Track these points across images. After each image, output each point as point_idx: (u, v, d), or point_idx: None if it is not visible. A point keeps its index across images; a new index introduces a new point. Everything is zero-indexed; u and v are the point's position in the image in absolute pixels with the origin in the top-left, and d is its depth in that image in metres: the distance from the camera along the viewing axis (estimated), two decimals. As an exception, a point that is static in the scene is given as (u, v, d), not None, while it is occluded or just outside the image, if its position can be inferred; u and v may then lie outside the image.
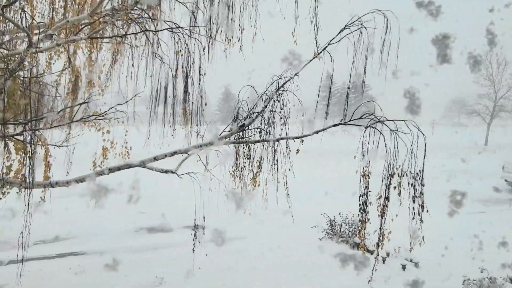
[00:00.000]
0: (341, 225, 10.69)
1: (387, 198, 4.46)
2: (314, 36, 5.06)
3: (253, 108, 5.22)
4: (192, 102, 5.41)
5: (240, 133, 5.25)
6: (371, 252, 8.16)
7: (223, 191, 5.25)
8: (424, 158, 4.35)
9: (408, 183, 4.44)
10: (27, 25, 4.02)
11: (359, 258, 7.83)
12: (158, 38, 5.27)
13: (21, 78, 4.70)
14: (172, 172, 5.00)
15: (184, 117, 5.49)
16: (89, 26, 5.39)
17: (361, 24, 4.62)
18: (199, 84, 5.42)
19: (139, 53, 5.54)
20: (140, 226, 11.87)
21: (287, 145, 5.16)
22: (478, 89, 46.02)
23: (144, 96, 5.40)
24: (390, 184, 4.45)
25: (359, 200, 4.66)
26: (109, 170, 4.87)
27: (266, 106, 5.13)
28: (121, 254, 9.09)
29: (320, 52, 4.84)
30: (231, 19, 5.35)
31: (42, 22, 5.40)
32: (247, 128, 5.18)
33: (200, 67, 5.35)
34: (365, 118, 4.62)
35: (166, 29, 5.20)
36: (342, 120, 4.86)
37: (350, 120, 4.74)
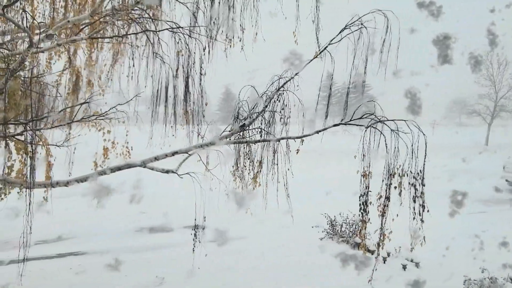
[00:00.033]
0: (342, 225, 10.68)
1: (387, 198, 4.46)
2: (315, 36, 5.05)
3: (253, 108, 5.22)
4: (193, 102, 5.41)
5: (241, 133, 5.25)
6: (372, 252, 8.15)
7: (223, 191, 5.25)
8: (424, 158, 4.35)
9: (409, 183, 4.44)
10: (28, 25, 4.03)
11: (360, 258, 7.83)
12: (158, 38, 5.27)
13: (22, 78, 4.71)
14: (172, 172, 5.01)
15: (185, 117, 5.49)
16: (89, 26, 5.40)
17: (362, 24, 4.62)
18: (200, 84, 5.42)
19: (139, 53, 5.54)
20: (140, 226, 11.87)
21: (287, 145, 5.16)
22: (479, 89, 45.98)
23: (144, 96, 5.41)
24: (390, 184, 4.44)
25: (360, 200, 4.66)
26: (110, 170, 4.88)
27: (266, 106, 5.13)
28: (121, 254, 9.10)
29: (321, 52, 4.84)
30: (232, 19, 5.35)
31: (42, 22, 5.40)
32: (247, 128, 5.19)
33: (200, 67, 5.36)
34: (365, 118, 4.62)
35: (167, 29, 5.20)
36: (342, 120, 4.86)
37: (350, 120, 4.74)
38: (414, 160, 4.34)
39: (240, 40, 5.48)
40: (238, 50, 5.49)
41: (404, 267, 8.86)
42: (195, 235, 5.38)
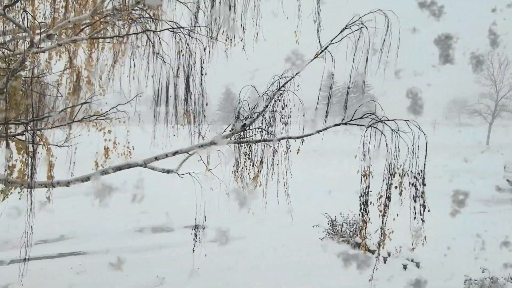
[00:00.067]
0: (342, 225, 10.68)
1: (388, 198, 4.45)
2: (316, 35, 5.05)
3: (254, 108, 5.22)
4: (194, 102, 5.41)
5: (241, 133, 5.25)
6: (372, 252, 8.15)
7: (224, 191, 5.25)
8: (425, 158, 4.35)
9: (409, 182, 4.43)
10: (29, 25, 4.03)
11: (361, 258, 7.82)
12: (159, 38, 5.27)
13: (23, 78, 4.71)
14: (173, 172, 5.01)
15: (185, 117, 5.49)
16: (90, 26, 5.40)
17: (362, 23, 4.62)
18: (201, 84, 5.42)
19: (140, 53, 5.54)
20: (141, 226, 11.88)
21: (287, 145, 5.16)
22: (480, 88, 45.97)
23: (145, 96, 5.41)
24: (391, 183, 4.44)
25: (360, 200, 4.66)
26: (110, 170, 4.88)
27: (267, 106, 5.13)
28: (122, 254, 9.10)
29: (321, 52, 4.83)
30: (233, 19, 5.35)
31: (43, 22, 5.41)
32: (248, 128, 5.18)
33: (201, 67, 5.36)
34: (366, 117, 4.61)
35: (167, 29, 5.20)
36: (343, 119, 4.85)
37: (351, 120, 4.74)
38: (415, 160, 4.34)
39: (241, 40, 5.48)
40: (239, 50, 5.49)
41: (405, 267, 8.86)
42: (195, 235, 5.38)
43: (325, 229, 10.77)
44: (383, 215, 4.49)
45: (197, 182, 4.80)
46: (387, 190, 4.46)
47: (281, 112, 5.14)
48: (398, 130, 4.33)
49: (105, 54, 6.19)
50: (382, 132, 4.42)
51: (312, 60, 4.83)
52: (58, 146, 5.34)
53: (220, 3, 5.29)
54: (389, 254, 9.16)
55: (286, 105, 5.09)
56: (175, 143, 5.25)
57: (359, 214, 4.73)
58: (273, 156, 5.19)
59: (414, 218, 4.39)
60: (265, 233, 10.93)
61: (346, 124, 4.74)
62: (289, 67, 4.87)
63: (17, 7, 4.96)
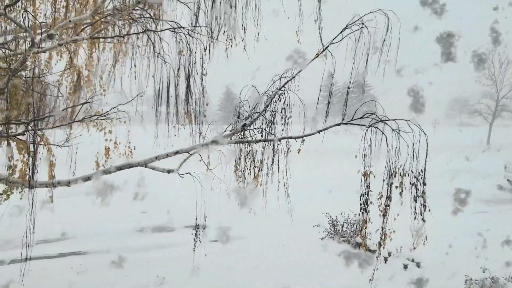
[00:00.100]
0: (343, 224, 10.68)
1: (389, 198, 4.45)
2: (318, 35, 5.04)
3: (254, 108, 5.22)
4: (195, 102, 5.41)
5: (242, 133, 5.25)
6: (373, 252, 8.16)
7: (224, 191, 5.25)
8: (426, 158, 4.34)
9: (410, 182, 4.43)
10: (30, 25, 4.04)
11: (362, 256, 7.83)
12: (160, 38, 5.27)
13: (24, 78, 4.72)
14: (174, 171, 5.01)
15: (186, 117, 5.50)
16: (91, 26, 5.40)
17: (362, 23, 4.62)
18: (201, 84, 5.42)
19: (141, 53, 5.54)
20: (141, 226, 11.89)
21: (287, 144, 5.16)
22: (481, 87, 45.94)
23: (146, 96, 5.41)
24: (392, 183, 4.44)
25: (360, 200, 4.66)
26: (111, 170, 4.89)
27: (267, 106, 5.13)
28: (122, 254, 9.11)
29: (322, 52, 4.83)
30: (234, 19, 5.35)
31: (44, 22, 5.41)
32: (248, 127, 5.19)
33: (202, 67, 5.35)
34: (366, 117, 4.61)
35: (168, 29, 5.20)
36: (343, 119, 4.85)
37: (351, 120, 4.74)
38: (415, 160, 4.34)
39: (242, 40, 5.48)
40: (240, 50, 5.49)
41: (405, 266, 8.86)
42: (196, 235, 5.38)
43: (325, 229, 10.77)
44: (384, 215, 4.49)
45: (198, 182, 4.80)
46: (387, 190, 4.46)
47: (281, 112, 5.14)
48: (399, 130, 4.33)
49: (105, 54, 6.20)
50: (382, 132, 4.42)
51: (313, 60, 4.83)
52: (59, 146, 5.34)
53: (220, 2, 5.29)
54: (389, 254, 9.16)
55: (287, 105, 5.09)
56: (176, 143, 5.25)
57: (359, 214, 4.73)
58: (273, 156, 5.19)
59: (415, 218, 4.39)
60: (265, 233, 10.93)
61: (346, 124, 4.74)
62: (291, 66, 4.87)
63: (18, 7, 4.96)
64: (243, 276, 8.26)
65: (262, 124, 5.22)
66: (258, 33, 5.35)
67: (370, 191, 4.59)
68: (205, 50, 5.27)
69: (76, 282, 7.85)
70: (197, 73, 5.37)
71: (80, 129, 5.66)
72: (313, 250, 9.94)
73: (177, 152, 4.96)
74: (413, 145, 4.27)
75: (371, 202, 4.62)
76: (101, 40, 5.87)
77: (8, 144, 4.61)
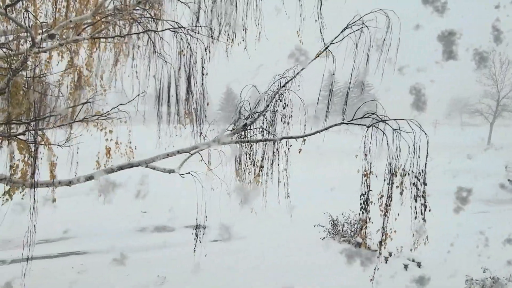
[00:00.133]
0: (343, 224, 10.68)
1: (389, 197, 4.45)
2: (319, 34, 5.04)
3: (255, 108, 5.21)
4: (196, 102, 5.42)
5: (242, 133, 5.25)
6: (374, 251, 8.14)
7: (225, 191, 5.26)
8: (426, 158, 4.34)
9: (410, 182, 4.43)
10: (30, 25, 4.04)
11: (363, 256, 7.83)
12: (160, 38, 5.27)
13: (24, 78, 4.72)
14: (174, 171, 5.01)
15: (187, 116, 5.50)
16: (91, 26, 5.40)
17: (363, 23, 4.61)
18: (202, 84, 5.42)
19: (141, 53, 5.54)
20: (142, 226, 11.90)
21: (287, 144, 5.16)
22: (482, 87, 45.91)
23: (147, 95, 5.41)
24: (392, 183, 4.44)
25: (361, 199, 4.66)
26: (112, 170, 4.90)
27: (268, 106, 5.13)
28: (123, 254, 9.12)
29: (322, 52, 4.83)
30: (233, 19, 5.35)
31: (45, 22, 5.42)
32: (249, 127, 5.19)
33: (202, 67, 5.36)
34: (367, 117, 4.61)
35: (169, 29, 5.20)
36: (343, 119, 4.85)
37: (352, 120, 4.73)
38: (416, 160, 4.33)
39: (243, 40, 5.48)
40: (240, 49, 5.49)
41: (406, 267, 8.85)
42: (196, 235, 5.38)
43: (326, 228, 10.77)
44: (385, 215, 4.49)
45: (198, 182, 4.81)
46: (388, 189, 4.46)
47: (282, 111, 5.14)
48: (399, 129, 4.32)
49: (106, 54, 6.20)
50: (383, 132, 4.42)
51: (314, 59, 4.83)
52: (60, 146, 5.34)
53: (221, 1, 5.29)
54: (390, 254, 9.15)
55: (288, 105, 5.09)
56: (177, 143, 5.26)
57: (359, 214, 4.73)
58: (273, 155, 5.19)
59: (415, 217, 4.39)
60: (266, 233, 10.94)
61: (347, 124, 4.74)
62: (293, 64, 4.86)
63: (19, 7, 4.97)
64: (243, 276, 8.26)
65: (263, 124, 5.22)
66: (259, 33, 5.35)
67: (371, 190, 4.59)
68: (206, 50, 5.27)
69: (77, 281, 7.86)
70: (197, 73, 5.37)
71: (80, 129, 5.66)
72: (314, 250, 9.94)
73: (177, 152, 4.96)
74: (413, 145, 4.27)
75: (371, 202, 4.62)
76: (102, 40, 5.87)
77: (9, 144, 4.62)
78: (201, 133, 5.40)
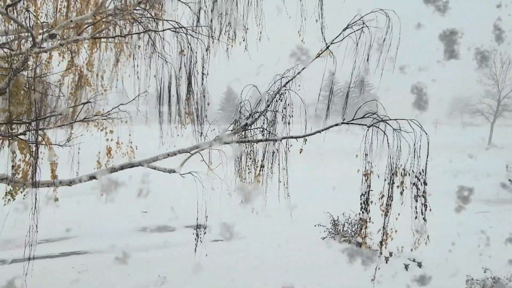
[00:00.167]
0: (344, 224, 10.68)
1: (390, 197, 4.45)
2: (320, 34, 5.04)
3: (255, 107, 5.22)
4: (197, 102, 5.42)
5: (243, 133, 5.25)
6: (375, 250, 8.14)
7: (226, 191, 5.26)
8: (427, 157, 4.34)
9: (411, 182, 4.43)
10: (31, 25, 4.04)
11: (364, 256, 7.82)
12: (161, 38, 5.28)
13: (25, 78, 4.72)
14: (175, 171, 5.01)
15: (187, 116, 5.50)
16: (92, 26, 5.41)
17: (364, 23, 4.61)
18: (202, 84, 5.42)
19: (142, 53, 5.55)
20: (142, 226, 11.91)
21: (286, 144, 5.16)
22: (483, 87, 45.88)
23: (147, 95, 5.41)
24: (393, 183, 4.44)
25: (361, 199, 4.66)
26: (112, 170, 4.90)
27: (268, 106, 5.13)
28: (123, 254, 9.13)
29: (323, 52, 4.83)
30: (234, 19, 5.35)
31: (45, 22, 5.42)
32: (249, 127, 5.19)
33: (202, 67, 5.36)
34: (367, 117, 4.61)
35: (169, 29, 5.20)
36: (344, 119, 4.85)
37: (353, 119, 4.73)
38: (416, 160, 4.33)
39: (243, 40, 5.48)
40: (241, 49, 5.49)
41: (406, 267, 8.85)
42: (197, 234, 5.38)
43: (326, 228, 10.77)
44: (386, 215, 4.49)
45: (199, 182, 4.81)
46: (389, 189, 4.46)
47: (282, 111, 5.14)
48: (400, 129, 4.32)
49: (107, 54, 6.21)
50: (384, 132, 4.42)
51: (314, 60, 4.83)
52: (60, 146, 5.35)
53: (222, 1, 5.29)
54: (390, 254, 9.15)
55: (288, 105, 5.09)
56: (178, 142, 5.26)
57: (360, 213, 4.73)
58: (273, 156, 5.20)
59: (416, 217, 4.39)
60: (266, 233, 10.94)
61: (348, 123, 4.74)
62: (294, 63, 4.85)
63: (20, 7, 4.97)
64: (243, 276, 8.26)
65: (264, 124, 5.22)
66: (261, 32, 5.35)
67: (371, 190, 4.59)
68: (206, 50, 5.27)
69: (78, 281, 7.87)
70: (197, 73, 5.38)
71: (81, 129, 5.67)
72: (314, 249, 9.94)
73: (178, 152, 4.97)
74: (414, 144, 4.27)
75: (371, 202, 4.62)
76: (103, 40, 5.88)
77: (9, 144, 4.63)
78: (201, 133, 5.40)
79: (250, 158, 5.45)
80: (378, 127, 4.47)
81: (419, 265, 9.00)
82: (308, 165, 14.85)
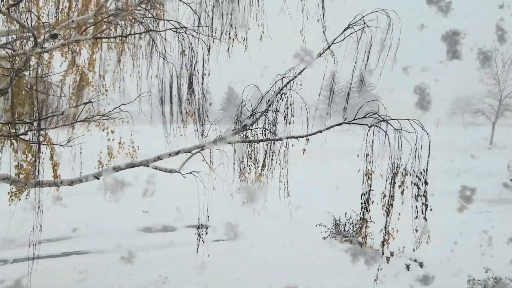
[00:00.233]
0: (345, 224, 10.67)
1: (391, 197, 4.44)
2: (322, 34, 5.03)
3: (256, 108, 5.21)
4: (198, 102, 5.42)
5: (244, 133, 5.25)
6: (376, 250, 8.13)
7: (227, 191, 5.26)
8: (428, 157, 4.33)
9: (412, 182, 4.42)
10: (33, 25, 4.05)
11: (365, 256, 7.82)
12: (162, 38, 5.28)
13: (27, 78, 4.74)
14: (176, 171, 5.02)
15: (189, 116, 5.51)
16: (93, 26, 5.42)
17: (365, 23, 4.61)
18: (203, 83, 5.43)
19: (143, 53, 5.55)
20: (144, 226, 11.92)
21: (286, 144, 5.16)
22: (484, 86, 45.81)
23: (147, 96, 5.42)
24: (394, 182, 4.43)
25: (361, 199, 4.65)
26: (114, 169, 4.91)
27: (269, 106, 5.12)
28: (124, 253, 9.14)
29: (324, 51, 4.83)
30: (236, 18, 5.35)
31: (47, 22, 5.43)
32: (250, 127, 5.19)
33: (203, 67, 5.36)
34: (369, 117, 4.60)
35: (170, 29, 5.21)
36: (345, 119, 4.84)
37: (354, 119, 4.73)
38: (418, 160, 4.33)
39: (244, 40, 5.48)
40: (242, 49, 5.49)
41: (408, 267, 8.83)
42: (198, 234, 5.39)
43: (328, 228, 10.76)
44: (387, 215, 4.48)
45: (200, 182, 4.81)
46: (390, 189, 4.45)
47: (283, 111, 5.13)
48: (401, 129, 4.31)
49: (108, 54, 6.21)
50: (385, 132, 4.41)
51: (315, 59, 4.82)
52: (62, 145, 5.36)
53: (223, 1, 5.30)
54: (392, 254, 9.14)
55: (290, 105, 5.09)
56: (180, 142, 5.27)
57: (360, 213, 4.73)
58: (273, 155, 5.19)
59: (416, 217, 4.38)
60: (268, 233, 10.94)
61: (349, 123, 4.73)
62: (298, 63, 4.85)
63: (22, 7, 4.98)
64: (245, 276, 8.26)
65: (265, 124, 5.22)
66: (263, 32, 5.35)
67: (372, 190, 4.59)
68: (208, 50, 5.27)
69: (79, 281, 7.88)
70: (198, 73, 5.38)
71: (82, 129, 5.67)
72: (315, 249, 9.94)
73: (179, 152, 4.97)
74: (415, 144, 4.26)
75: (372, 202, 4.62)
76: (104, 40, 5.89)
77: (11, 144, 4.64)
78: (203, 132, 5.40)
79: (251, 158, 5.45)
80: (380, 127, 4.46)
81: (421, 265, 8.98)
82: (309, 165, 14.84)
